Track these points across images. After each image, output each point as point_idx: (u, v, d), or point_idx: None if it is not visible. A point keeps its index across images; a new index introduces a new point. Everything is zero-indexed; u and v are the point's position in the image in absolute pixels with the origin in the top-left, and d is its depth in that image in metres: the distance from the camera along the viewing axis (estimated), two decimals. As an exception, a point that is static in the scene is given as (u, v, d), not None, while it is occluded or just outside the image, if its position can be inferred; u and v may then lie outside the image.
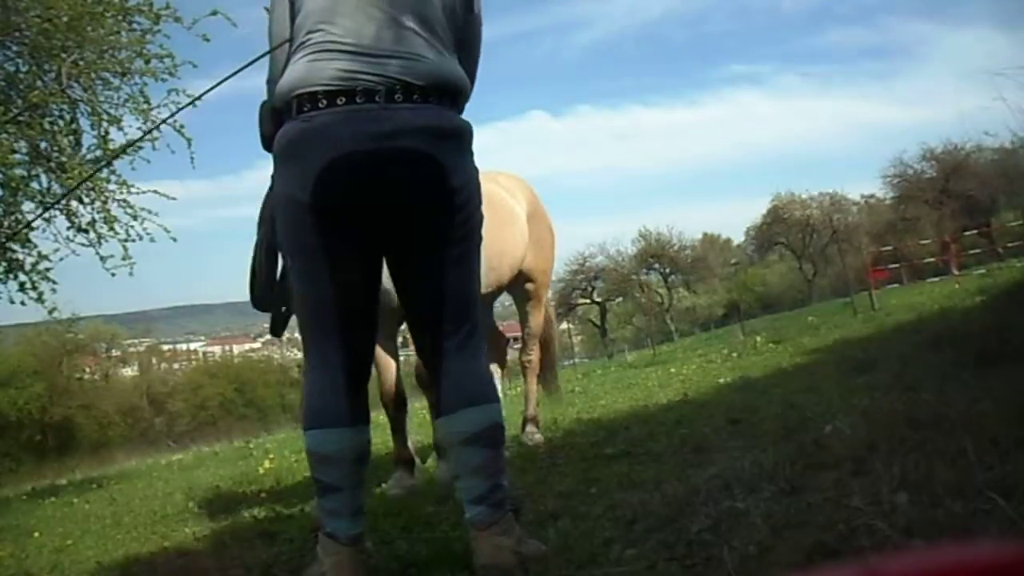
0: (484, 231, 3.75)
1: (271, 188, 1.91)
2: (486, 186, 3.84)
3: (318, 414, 1.86)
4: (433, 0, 1.85)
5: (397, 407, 3.39)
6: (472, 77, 2.02)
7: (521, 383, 4.52)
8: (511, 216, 3.79)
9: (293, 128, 1.77)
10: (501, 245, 3.66)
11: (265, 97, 1.97)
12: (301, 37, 1.83)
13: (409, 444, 3.44)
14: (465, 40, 1.98)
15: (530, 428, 4.08)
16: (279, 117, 1.83)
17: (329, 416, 1.84)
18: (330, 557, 1.82)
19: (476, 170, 1.93)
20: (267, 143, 1.89)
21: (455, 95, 1.86)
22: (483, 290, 3.59)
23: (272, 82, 1.92)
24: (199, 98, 2.18)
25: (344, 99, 1.72)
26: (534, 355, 4.17)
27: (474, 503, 1.81)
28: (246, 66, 2.10)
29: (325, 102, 1.72)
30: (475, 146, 1.99)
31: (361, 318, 1.88)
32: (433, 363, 1.91)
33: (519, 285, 3.95)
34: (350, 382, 1.86)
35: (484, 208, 3.75)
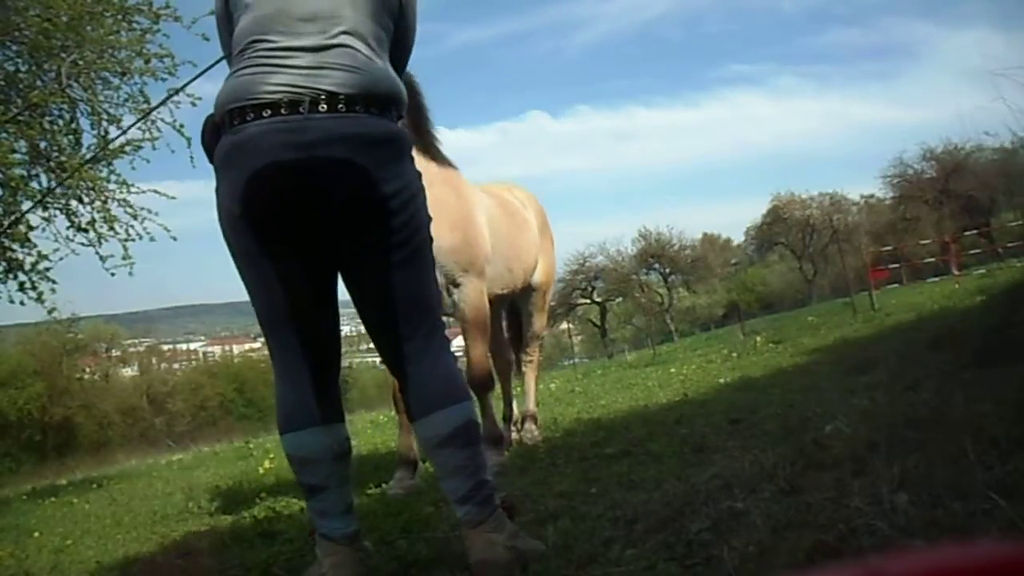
0: (502, 236, 3.88)
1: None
2: (502, 194, 4.01)
3: (289, 417, 1.88)
4: (371, 15, 1.87)
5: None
6: (400, 71, 2.04)
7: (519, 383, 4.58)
8: (525, 225, 4.02)
9: (225, 141, 1.80)
10: (517, 250, 3.82)
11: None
12: (236, 52, 1.86)
13: (413, 444, 3.44)
14: (398, 39, 2.00)
15: (529, 425, 4.14)
16: (218, 131, 1.86)
17: (300, 418, 1.87)
18: (328, 557, 1.84)
19: (416, 173, 1.93)
20: (210, 156, 1.91)
21: (385, 103, 1.85)
22: (498, 291, 3.75)
23: None
24: (169, 98, 2.21)
25: (270, 111, 1.74)
26: (535, 356, 4.36)
27: (460, 503, 1.83)
28: (200, 74, 2.12)
29: (252, 115, 1.75)
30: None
31: (317, 321, 1.90)
32: (397, 369, 1.92)
33: (526, 290, 4.12)
34: (316, 383, 1.88)
35: (501, 215, 3.89)
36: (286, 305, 1.84)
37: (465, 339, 3.43)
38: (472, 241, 3.34)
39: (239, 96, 1.77)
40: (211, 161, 1.90)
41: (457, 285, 3.29)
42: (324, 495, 1.87)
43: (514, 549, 1.79)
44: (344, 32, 1.81)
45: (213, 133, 1.88)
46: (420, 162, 2.79)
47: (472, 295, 3.30)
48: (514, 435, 4.13)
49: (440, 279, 3.13)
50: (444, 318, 3.27)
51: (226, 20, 1.98)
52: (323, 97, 1.75)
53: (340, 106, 1.76)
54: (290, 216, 1.78)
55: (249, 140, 1.75)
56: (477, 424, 1.96)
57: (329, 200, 1.78)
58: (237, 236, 1.83)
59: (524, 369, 4.34)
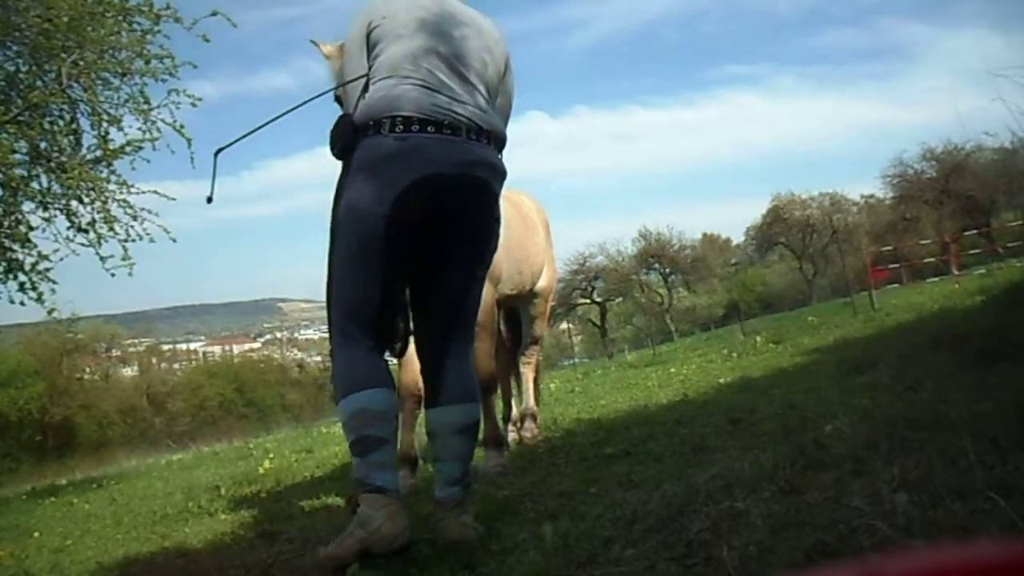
0: (514, 238, 4.05)
1: (339, 197, 2.12)
2: (516, 199, 4.09)
3: (367, 376, 2.06)
4: (488, 68, 2.24)
5: (416, 403, 3.40)
6: (504, 121, 2.37)
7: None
8: (535, 229, 4.14)
9: (386, 143, 2.02)
10: (527, 253, 3.90)
11: (341, 112, 2.25)
12: (387, 72, 2.11)
13: (414, 443, 3.45)
14: (501, 97, 2.35)
15: (528, 424, 4.17)
16: (358, 132, 2.08)
17: (378, 377, 2.08)
18: (382, 510, 1.96)
19: None
20: (343, 152, 2.13)
21: (502, 142, 2.25)
22: (507, 292, 3.78)
23: (349, 107, 2.20)
24: (264, 126, 2.34)
25: (433, 128, 2.03)
26: (534, 358, 4.40)
27: (450, 484, 2.15)
28: (315, 98, 2.37)
29: (418, 126, 2.02)
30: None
31: (395, 314, 2.18)
32: (436, 359, 2.22)
33: (529, 295, 4.16)
34: (380, 354, 2.15)
35: (516, 218, 4.05)
36: (381, 297, 2.09)
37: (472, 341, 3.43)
38: None
39: (405, 107, 2.04)
40: (337, 154, 2.14)
41: None
42: (386, 448, 2.05)
43: (477, 529, 2.11)
44: (478, 79, 2.18)
45: (353, 132, 2.10)
46: None
47: (484, 298, 3.31)
48: (513, 435, 4.13)
49: None
50: None
51: (362, 44, 2.21)
52: (474, 128, 2.10)
53: (483, 139, 2.13)
54: (432, 222, 2.06)
55: (419, 148, 2.02)
56: (480, 424, 2.29)
57: (466, 212, 2.11)
58: (366, 231, 2.02)
59: (522, 370, 4.34)
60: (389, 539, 1.91)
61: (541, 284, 4.20)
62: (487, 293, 3.36)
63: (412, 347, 2.41)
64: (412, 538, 2.23)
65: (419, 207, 2.02)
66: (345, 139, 2.11)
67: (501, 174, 2.21)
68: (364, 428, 2.03)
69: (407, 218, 2.01)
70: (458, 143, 2.05)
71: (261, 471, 5.19)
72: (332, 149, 2.15)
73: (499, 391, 4.29)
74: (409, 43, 2.13)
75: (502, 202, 3.77)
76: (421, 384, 3.43)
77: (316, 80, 2.30)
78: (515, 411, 4.34)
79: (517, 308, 4.29)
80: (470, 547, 2.03)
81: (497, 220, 2.23)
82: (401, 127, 2.02)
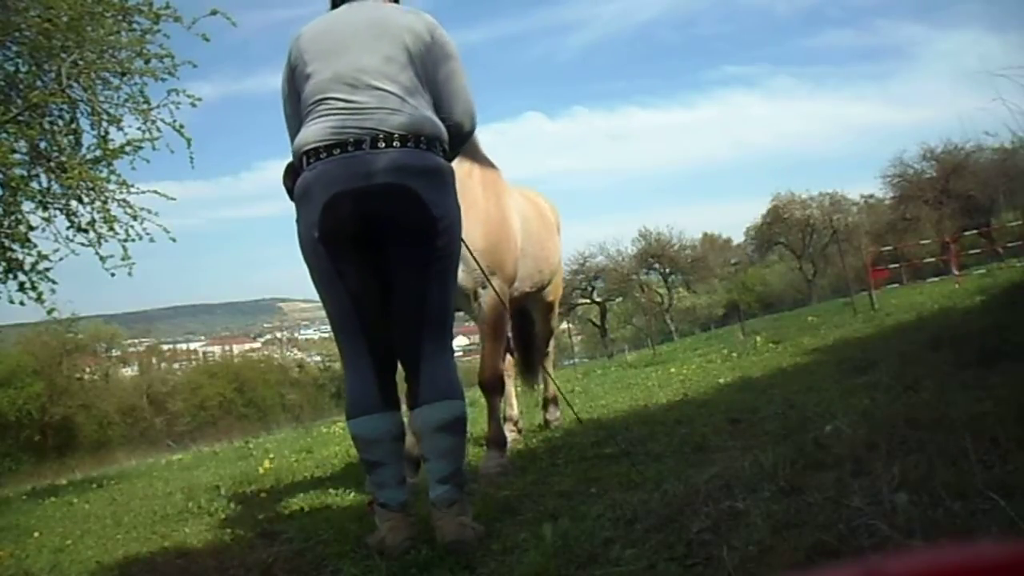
0: (535, 237, 4.16)
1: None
2: (534, 199, 4.30)
3: (358, 404, 2.24)
4: (400, 64, 2.24)
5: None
6: (462, 117, 2.37)
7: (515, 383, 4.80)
8: (553, 230, 4.30)
9: (303, 177, 2.20)
10: (546, 252, 4.02)
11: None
12: (306, 109, 2.28)
13: (416, 443, 3.45)
14: (441, 93, 2.33)
15: (552, 408, 4.58)
16: (296, 172, 2.26)
17: (367, 405, 2.23)
18: (385, 523, 2.20)
19: (457, 205, 2.29)
20: (290, 195, 2.33)
21: (430, 139, 2.22)
22: (527, 289, 3.89)
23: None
24: None
25: (339, 150, 2.15)
26: (551, 351, 4.75)
27: (440, 483, 2.18)
28: None
29: (325, 154, 2.15)
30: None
31: (378, 321, 2.24)
32: (411, 361, 2.27)
33: (541, 294, 4.28)
34: (380, 375, 2.25)
35: (536, 218, 4.16)
36: (355, 314, 2.22)
37: (481, 340, 3.44)
38: (504, 246, 3.41)
39: (313, 139, 2.18)
40: (291, 199, 2.32)
41: (484, 287, 3.28)
42: (383, 470, 2.23)
43: (476, 529, 2.14)
44: (388, 85, 2.21)
45: (292, 175, 2.30)
46: (463, 162, 3.01)
47: (495, 297, 3.29)
48: (512, 434, 4.12)
49: (468, 282, 3.17)
50: (459, 313, 3.35)
51: (289, 96, 2.39)
52: (381, 136, 2.14)
53: (395, 143, 2.15)
54: (358, 235, 2.15)
55: (323, 173, 2.14)
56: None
57: (388, 219, 2.15)
58: (316, 258, 2.21)
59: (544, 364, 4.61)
60: (390, 548, 2.13)
61: (554, 288, 4.44)
62: (499, 292, 3.35)
63: None
64: (412, 538, 2.24)
65: (339, 225, 2.14)
66: (287, 182, 2.36)
67: (424, 171, 2.17)
68: (361, 452, 2.29)
69: (335, 237, 2.15)
70: (360, 156, 2.12)
71: (261, 471, 5.18)
72: (288, 196, 2.38)
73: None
74: (316, 79, 2.25)
75: (521, 201, 3.86)
76: None
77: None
78: (513, 410, 4.36)
79: (526, 306, 4.35)
80: (469, 548, 2.04)
81: (437, 218, 2.17)
82: (312, 158, 2.17)
